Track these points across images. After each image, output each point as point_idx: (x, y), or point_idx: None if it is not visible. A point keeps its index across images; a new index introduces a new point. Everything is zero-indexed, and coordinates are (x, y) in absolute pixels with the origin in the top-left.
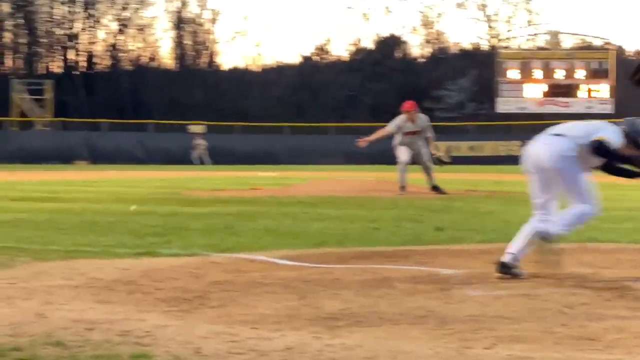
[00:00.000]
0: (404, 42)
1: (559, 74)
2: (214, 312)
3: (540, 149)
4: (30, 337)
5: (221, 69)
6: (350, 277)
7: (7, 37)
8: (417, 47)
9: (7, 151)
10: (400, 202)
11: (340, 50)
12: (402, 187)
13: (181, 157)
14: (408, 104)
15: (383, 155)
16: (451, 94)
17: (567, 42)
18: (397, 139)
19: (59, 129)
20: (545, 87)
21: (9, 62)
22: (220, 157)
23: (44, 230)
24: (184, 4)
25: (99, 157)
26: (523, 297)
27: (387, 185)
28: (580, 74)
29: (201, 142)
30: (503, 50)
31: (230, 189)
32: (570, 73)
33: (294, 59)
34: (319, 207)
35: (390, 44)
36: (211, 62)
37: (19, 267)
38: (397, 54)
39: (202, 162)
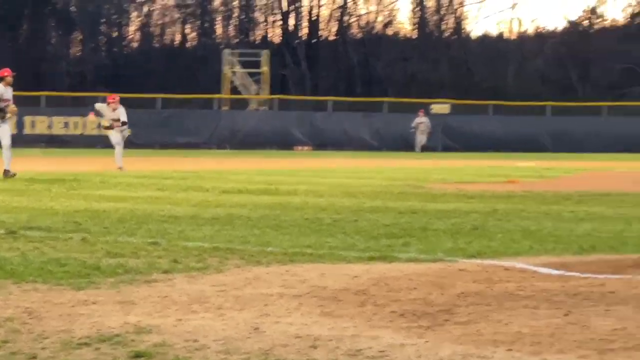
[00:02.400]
0: None
1: None
2: (460, 330)
3: None
4: (244, 354)
5: (470, 37)
6: (626, 290)
7: (217, 0)
8: None
9: (217, 135)
10: None
11: (616, 12)
12: None
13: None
14: None
15: None
16: None
17: None
18: None
19: (277, 108)
20: None
21: (219, 30)
22: (468, 142)
23: (259, 229)
24: None
25: (323, 142)
26: None
27: None
28: None
29: (423, 121)
30: None
31: (481, 182)
32: None
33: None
34: (587, 204)
35: None
36: (458, 29)
37: (231, 272)
38: None
39: (422, 148)
